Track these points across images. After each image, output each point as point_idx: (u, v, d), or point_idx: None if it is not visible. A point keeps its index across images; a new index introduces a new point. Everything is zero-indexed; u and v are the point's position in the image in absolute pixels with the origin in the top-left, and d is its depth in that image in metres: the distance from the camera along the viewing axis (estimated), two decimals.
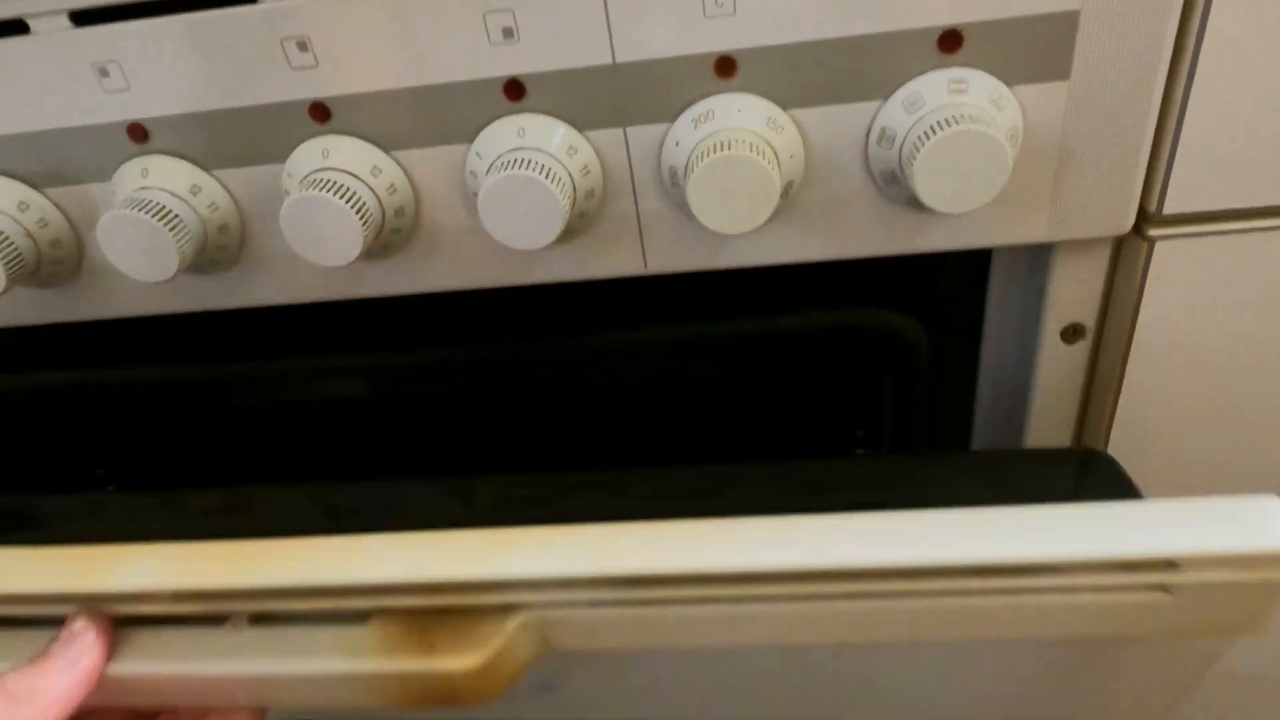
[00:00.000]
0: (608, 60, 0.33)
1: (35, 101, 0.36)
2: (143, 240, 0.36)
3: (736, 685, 0.39)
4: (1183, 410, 0.41)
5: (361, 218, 0.34)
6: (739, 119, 0.33)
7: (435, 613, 0.32)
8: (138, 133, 0.37)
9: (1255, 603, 0.29)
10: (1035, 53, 0.32)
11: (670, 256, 0.38)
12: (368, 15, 0.33)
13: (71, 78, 0.35)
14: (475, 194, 0.36)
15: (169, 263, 0.36)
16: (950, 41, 0.32)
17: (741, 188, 0.32)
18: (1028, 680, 0.37)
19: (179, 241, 0.36)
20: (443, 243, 0.38)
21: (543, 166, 0.33)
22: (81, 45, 0.34)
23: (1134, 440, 0.42)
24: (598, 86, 0.34)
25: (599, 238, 0.38)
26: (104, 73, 0.35)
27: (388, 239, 0.37)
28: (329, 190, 0.34)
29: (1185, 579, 0.28)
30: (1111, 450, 0.42)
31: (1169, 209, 0.35)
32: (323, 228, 0.34)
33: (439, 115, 0.35)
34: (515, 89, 0.34)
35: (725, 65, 0.33)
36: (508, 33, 0.33)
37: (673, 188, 0.35)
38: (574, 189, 0.35)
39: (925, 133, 0.31)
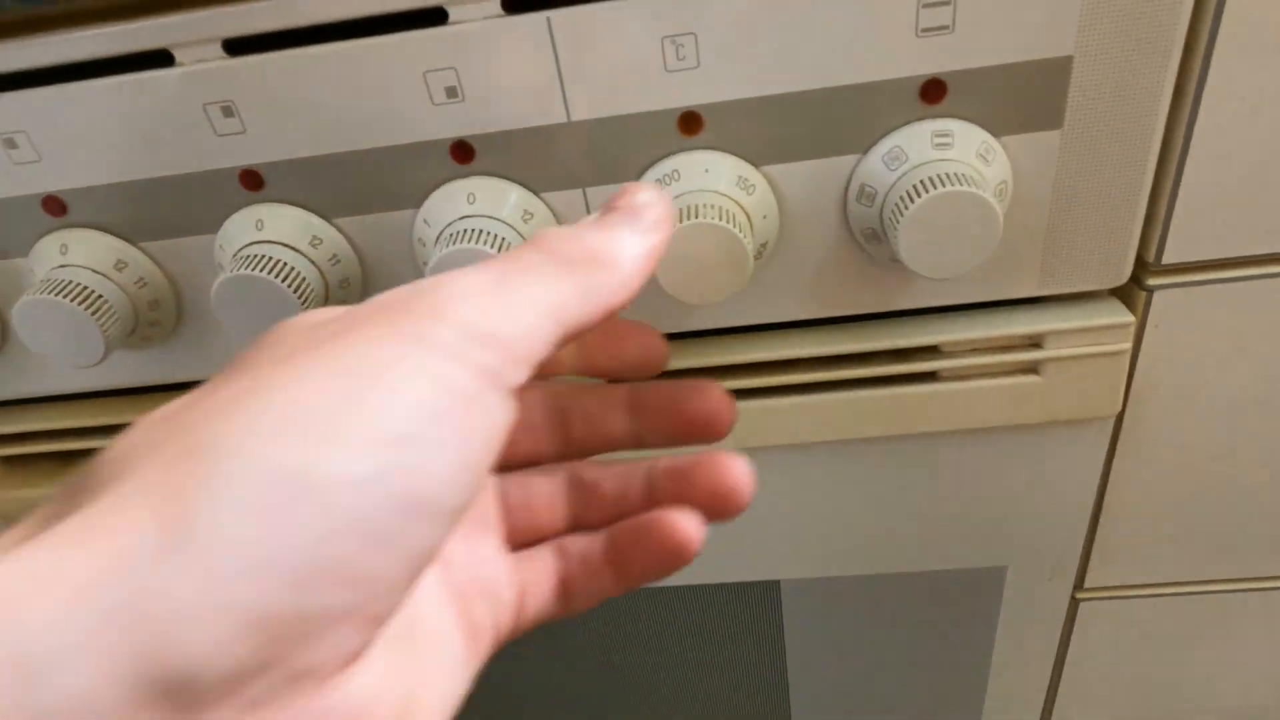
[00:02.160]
0: (562, 119, 0.30)
1: None
2: (64, 325, 0.33)
3: None
4: (1182, 460, 0.39)
5: (301, 295, 0.32)
6: (706, 180, 0.31)
7: None
8: (54, 205, 0.33)
9: (1109, 376, 0.35)
10: (1025, 101, 0.29)
11: (632, 313, 0.35)
12: (295, 78, 0.30)
13: None
14: (424, 263, 0.33)
15: (94, 347, 0.33)
16: (933, 91, 0.29)
17: (711, 258, 0.30)
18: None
19: (103, 324, 0.33)
20: None
21: (495, 237, 0.30)
22: None
23: (1133, 489, 0.40)
24: (552, 146, 0.31)
25: None
26: (11, 144, 0.32)
27: None
28: (263, 268, 0.31)
29: (1048, 355, 0.35)
30: (1110, 499, 0.40)
31: (1168, 258, 0.33)
32: (260, 308, 0.32)
33: (382, 180, 0.32)
34: (463, 151, 0.31)
35: (690, 121, 0.30)
36: (451, 92, 0.30)
37: None
38: None
39: (909, 193, 0.29)
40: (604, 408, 0.25)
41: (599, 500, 0.24)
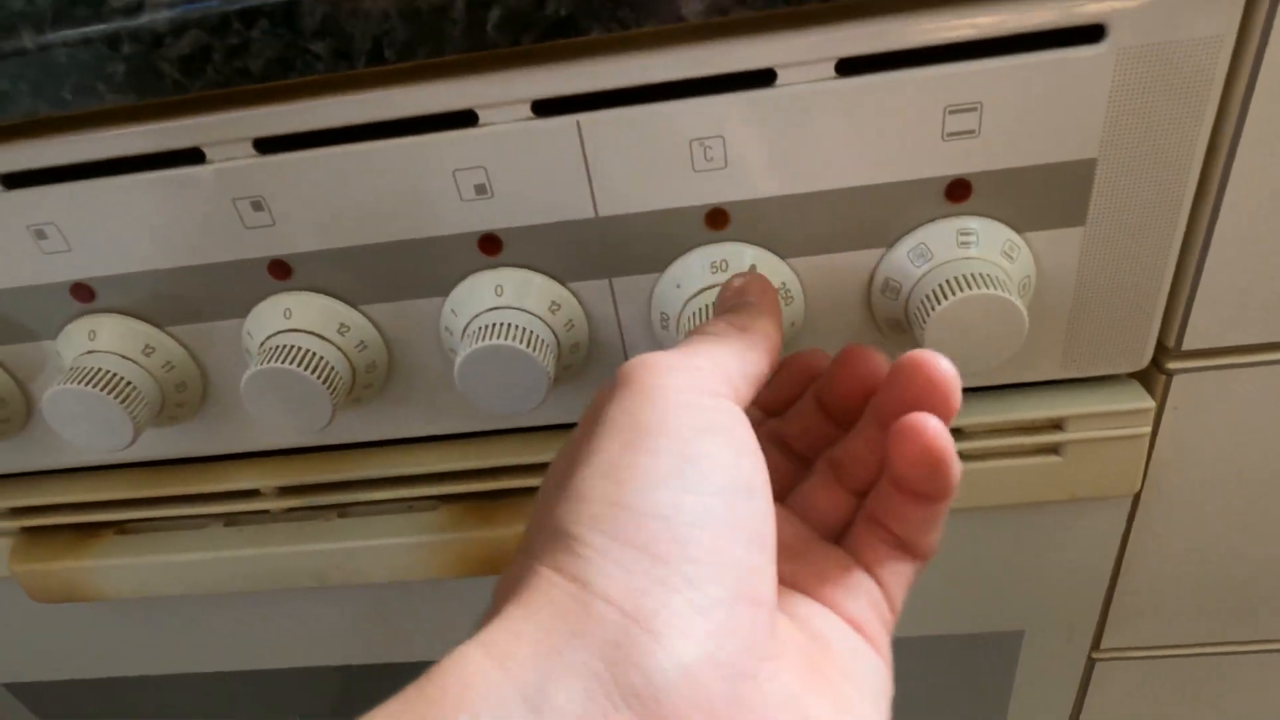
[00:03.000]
0: (590, 214, 0.31)
1: None
2: (93, 413, 0.33)
3: None
4: (1199, 531, 0.39)
5: (329, 385, 0.32)
6: (723, 278, 0.31)
7: (491, 496, 0.39)
8: (82, 292, 0.34)
9: (1128, 458, 0.36)
10: (1049, 200, 0.30)
11: None
12: (325, 175, 0.30)
13: (6, 241, 0.32)
14: (451, 350, 0.34)
15: (123, 433, 0.33)
16: (959, 191, 0.30)
17: None
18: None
19: (131, 410, 0.33)
20: (419, 391, 0.36)
21: (523, 330, 0.31)
22: (14, 208, 0.32)
23: (1150, 557, 0.40)
24: (580, 239, 0.31)
25: (587, 383, 0.35)
26: (41, 235, 0.32)
27: (359, 393, 0.35)
28: (293, 360, 0.31)
29: (1069, 437, 0.35)
30: (1128, 567, 0.41)
31: (1188, 344, 0.33)
32: (288, 399, 0.32)
33: (409, 270, 0.32)
34: (491, 243, 0.32)
35: (716, 217, 0.31)
36: (480, 189, 0.30)
37: (662, 330, 0.33)
38: (558, 347, 0.32)
39: (934, 293, 0.29)
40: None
41: (856, 465, 0.26)
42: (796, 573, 0.25)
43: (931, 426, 0.22)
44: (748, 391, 0.23)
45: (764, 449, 0.26)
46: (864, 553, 0.25)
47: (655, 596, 0.17)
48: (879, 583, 0.25)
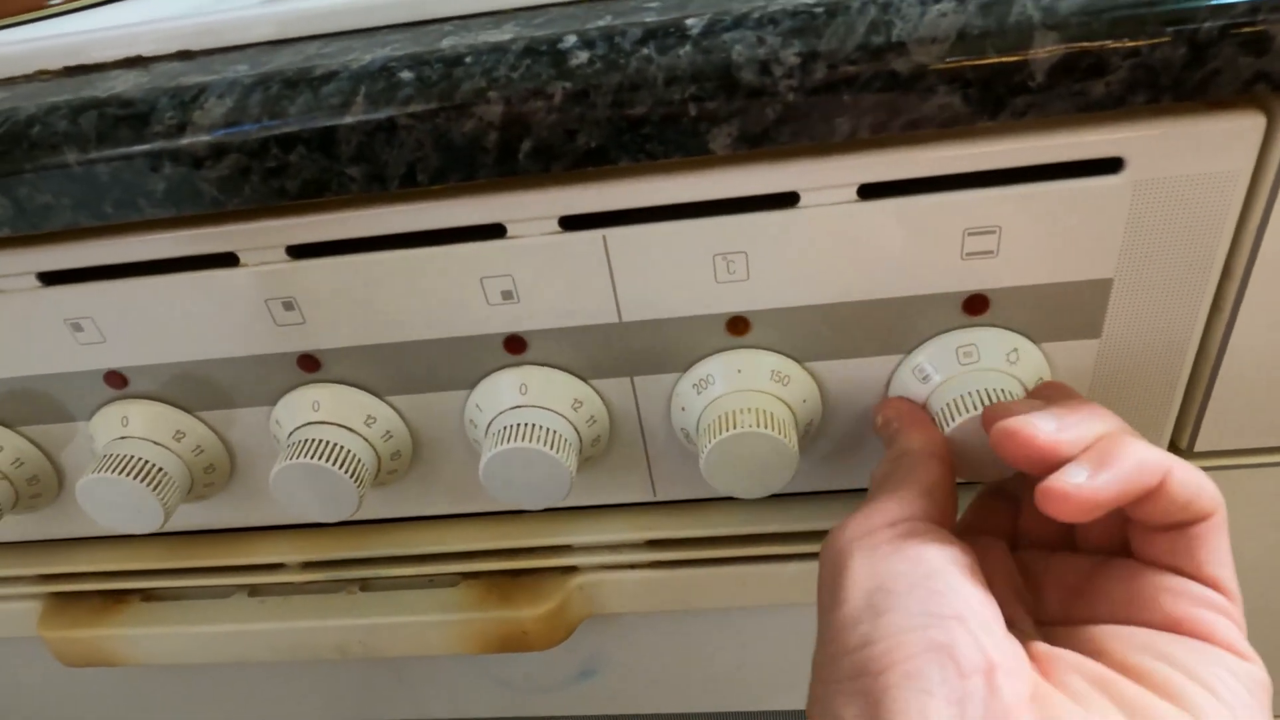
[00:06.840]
0: (614, 319, 0.31)
1: (6, 353, 0.34)
2: (126, 499, 0.34)
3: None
4: None
5: (356, 478, 0.33)
6: (740, 380, 0.31)
7: (511, 574, 0.40)
8: (115, 380, 0.35)
9: None
10: (1065, 314, 0.30)
11: (679, 486, 0.36)
12: (356, 279, 0.31)
13: (43, 332, 0.33)
14: (475, 441, 0.34)
15: (154, 517, 0.34)
16: (976, 304, 0.30)
17: (757, 460, 0.30)
18: None
19: (162, 496, 0.34)
20: (442, 475, 0.37)
21: (547, 430, 0.31)
22: (51, 303, 0.32)
23: None
24: (603, 341, 0.32)
25: (607, 469, 0.36)
26: (77, 328, 0.33)
27: (384, 479, 0.36)
28: (321, 455, 0.32)
29: None
30: None
31: (1201, 446, 0.34)
32: (316, 490, 0.33)
33: (435, 366, 0.33)
34: (516, 344, 0.32)
35: (738, 324, 0.31)
36: (507, 295, 0.31)
37: (688, 443, 0.34)
38: (580, 441, 0.33)
39: (951, 406, 0.29)
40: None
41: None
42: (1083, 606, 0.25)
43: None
44: (936, 500, 0.26)
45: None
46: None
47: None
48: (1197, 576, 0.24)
